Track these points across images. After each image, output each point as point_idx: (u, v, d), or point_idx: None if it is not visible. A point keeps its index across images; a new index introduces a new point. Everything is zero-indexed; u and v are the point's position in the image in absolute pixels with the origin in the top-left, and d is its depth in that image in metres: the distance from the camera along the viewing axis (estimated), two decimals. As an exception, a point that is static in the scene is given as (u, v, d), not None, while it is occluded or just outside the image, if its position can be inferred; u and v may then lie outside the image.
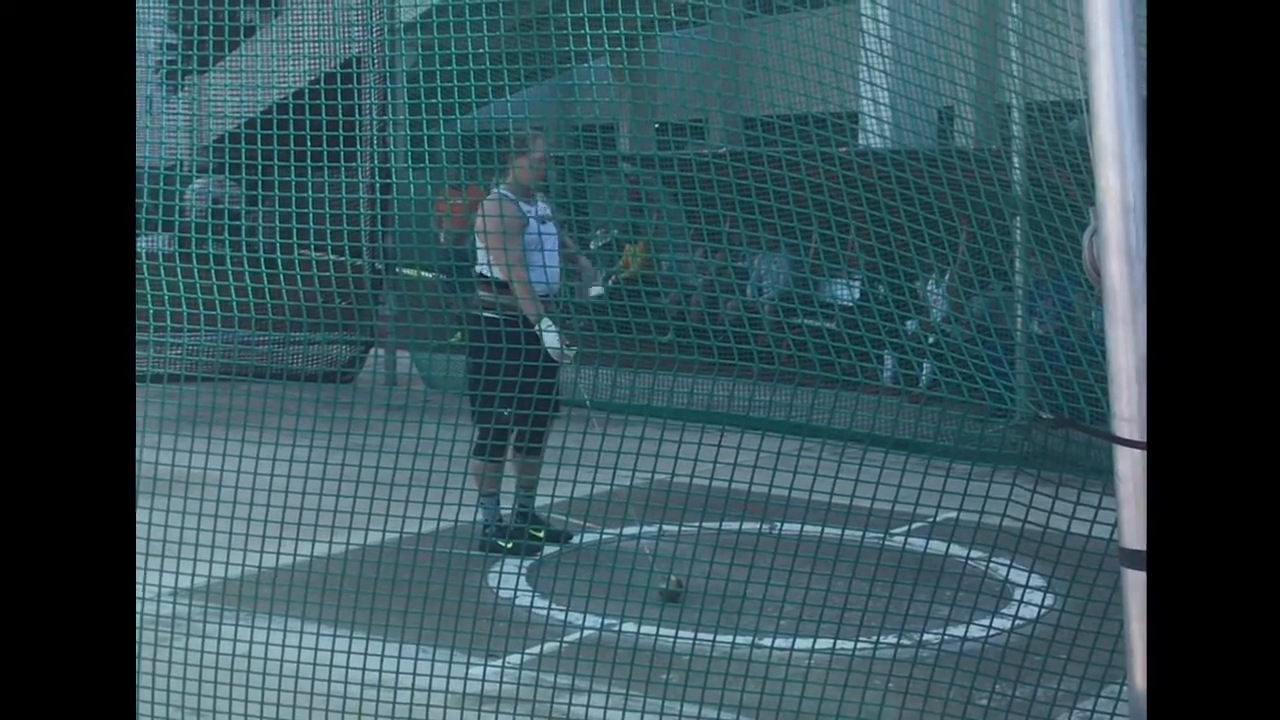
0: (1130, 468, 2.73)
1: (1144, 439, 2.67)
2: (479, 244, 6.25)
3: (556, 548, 6.32)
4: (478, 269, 6.31)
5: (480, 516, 6.27)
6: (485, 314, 6.06)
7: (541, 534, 6.48)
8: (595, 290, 6.52)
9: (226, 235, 5.11)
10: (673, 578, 5.29)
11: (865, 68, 5.52)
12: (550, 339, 5.92)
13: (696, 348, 4.57)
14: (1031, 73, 5.79)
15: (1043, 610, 4.22)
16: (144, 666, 4.14)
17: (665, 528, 4.44)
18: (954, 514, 3.85)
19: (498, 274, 6.09)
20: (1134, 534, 2.71)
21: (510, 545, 6.29)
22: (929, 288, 8.35)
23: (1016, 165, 7.01)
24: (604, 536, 5.93)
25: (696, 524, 4.37)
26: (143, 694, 4.11)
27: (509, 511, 6.47)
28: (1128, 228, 2.77)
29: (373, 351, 11.37)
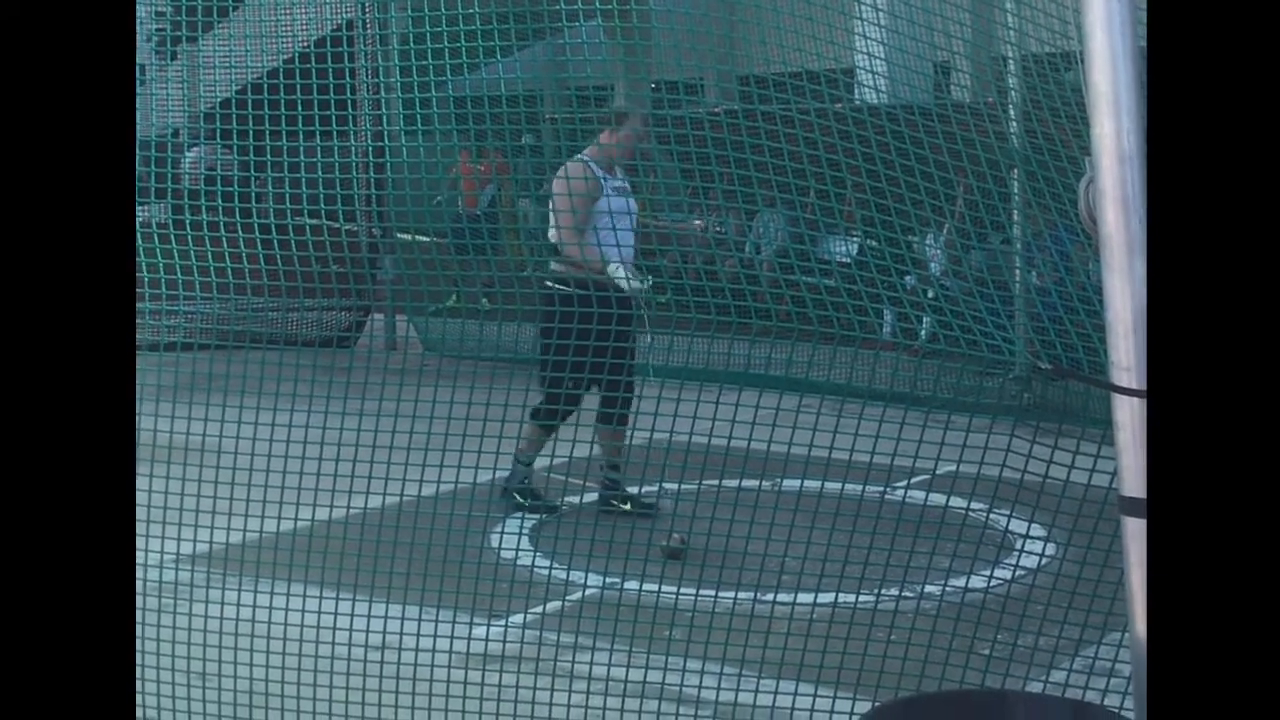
0: (1128, 416, 2.73)
1: (1142, 387, 2.67)
2: (550, 209, 6.19)
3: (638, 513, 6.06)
4: (549, 237, 6.26)
5: (507, 475, 6.29)
6: (558, 288, 5.98)
7: (627, 506, 6.24)
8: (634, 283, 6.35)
9: (220, 202, 5.10)
10: (675, 535, 5.31)
11: (861, 22, 5.50)
12: (624, 282, 5.84)
13: (695, 306, 4.57)
14: (1027, 23, 5.76)
15: (1044, 560, 4.23)
16: (148, 633, 4.15)
17: (667, 486, 4.44)
18: (954, 466, 3.85)
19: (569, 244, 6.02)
20: (1133, 482, 2.71)
21: (525, 502, 6.35)
22: (927, 242, 8.33)
23: (1013, 118, 6.98)
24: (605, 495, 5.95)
25: (697, 482, 4.37)
26: (147, 659, 4.13)
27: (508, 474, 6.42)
28: (1124, 176, 2.76)
29: (371, 316, 11.37)
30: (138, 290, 4.61)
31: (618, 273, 5.85)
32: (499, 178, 12.67)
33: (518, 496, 6.44)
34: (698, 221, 6.81)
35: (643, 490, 6.01)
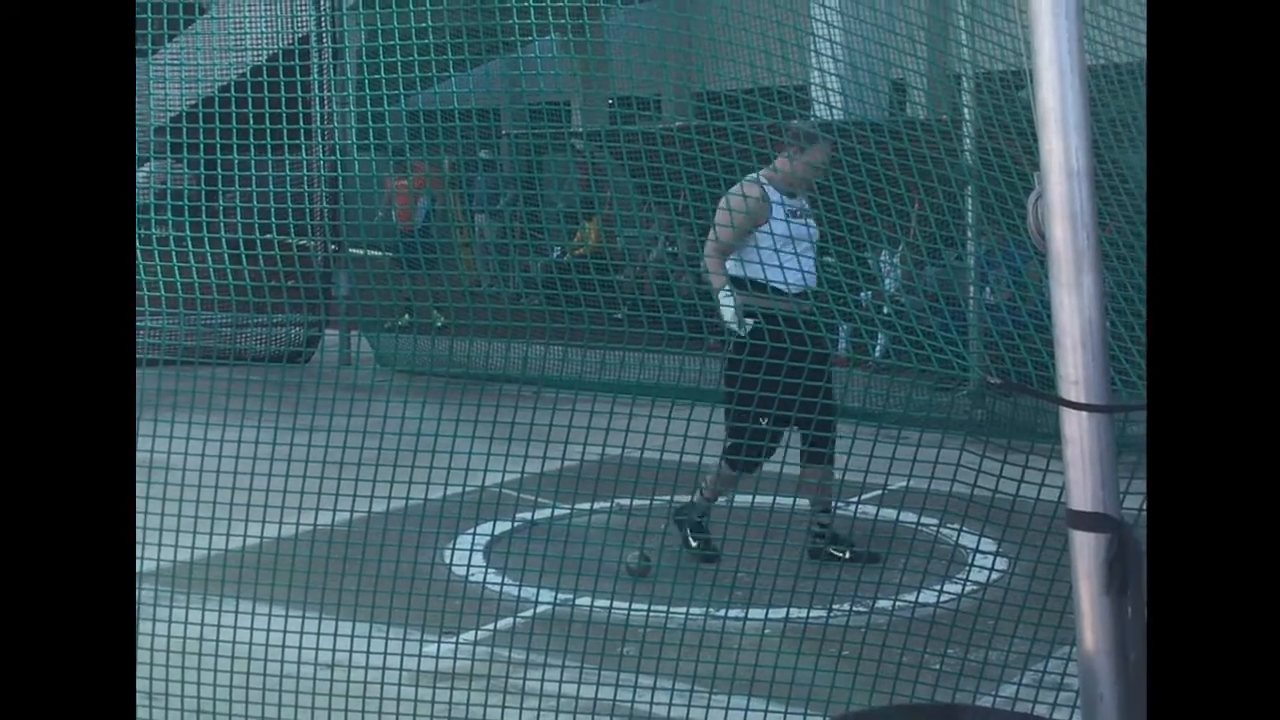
0: (1076, 430, 2.75)
1: (1089, 400, 2.69)
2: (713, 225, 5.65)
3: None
4: (727, 265, 5.77)
5: (685, 512, 5.79)
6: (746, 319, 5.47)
7: (846, 555, 5.77)
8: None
9: (170, 217, 5.06)
10: (634, 554, 5.28)
11: (816, 39, 5.52)
12: (727, 312, 5.52)
13: (648, 322, 4.56)
14: (980, 41, 5.81)
15: (994, 574, 4.24)
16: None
17: (621, 502, 4.43)
18: (905, 482, 3.87)
19: (751, 271, 5.51)
20: (1080, 496, 2.73)
21: (696, 546, 5.75)
22: (881, 258, 8.37)
23: (967, 135, 7.03)
24: (556, 512, 5.93)
25: (657, 499, 4.37)
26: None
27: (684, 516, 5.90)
28: (1071, 191, 2.78)
29: (323, 331, 11.32)
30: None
31: (726, 301, 5.51)
32: (429, 192, 12.64)
33: (690, 532, 5.86)
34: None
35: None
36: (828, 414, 4.93)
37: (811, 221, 5.84)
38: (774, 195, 5.74)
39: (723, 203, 5.26)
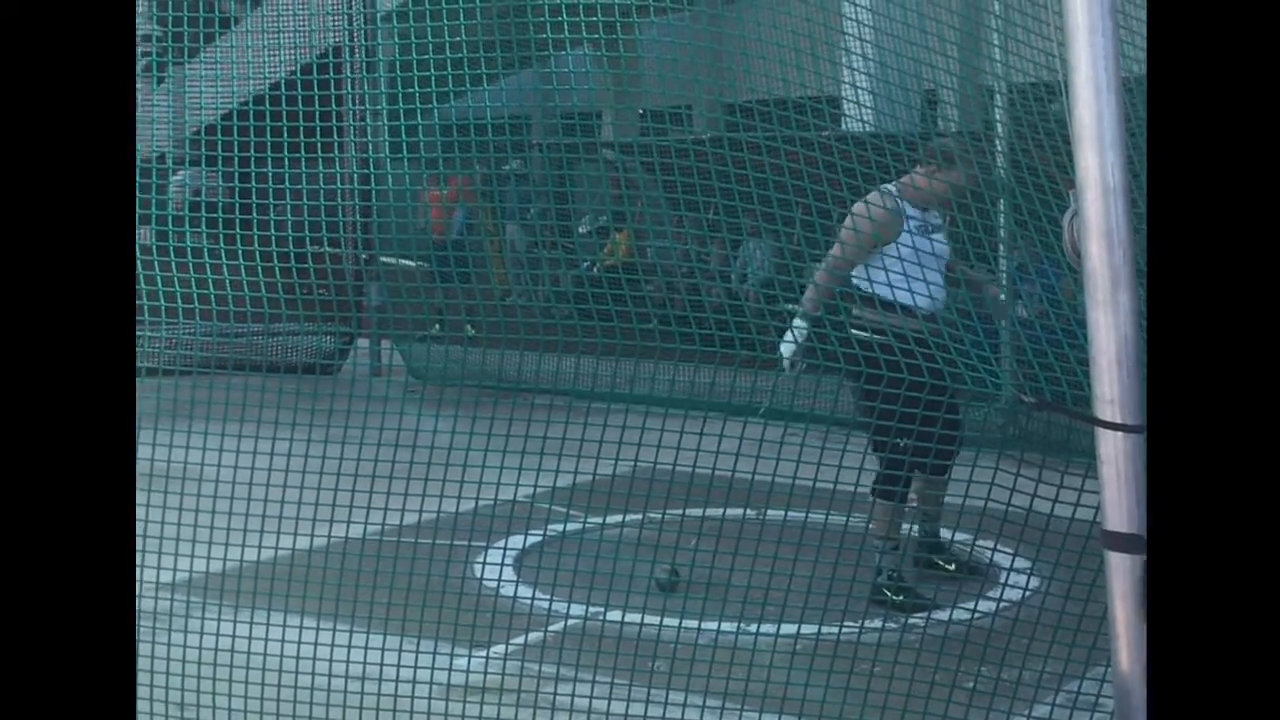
0: (1112, 450, 2.73)
1: (1125, 421, 2.67)
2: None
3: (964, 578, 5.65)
4: (854, 281, 5.49)
5: (881, 563, 5.50)
6: (875, 336, 4.98)
7: (952, 566, 5.82)
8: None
9: (204, 228, 5.08)
10: (664, 569, 5.25)
11: (847, 52, 5.51)
12: (786, 348, 5.30)
13: (679, 335, 4.56)
14: (1013, 56, 5.79)
15: (1027, 593, 4.22)
16: (128, 662, 4.12)
17: (651, 516, 4.42)
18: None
19: (879, 289, 5.21)
20: (1116, 516, 2.71)
21: (899, 599, 5.43)
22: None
23: (999, 149, 7.00)
24: (587, 525, 5.93)
25: (686, 512, 4.36)
26: (127, 689, 4.09)
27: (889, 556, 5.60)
28: (1108, 209, 2.76)
29: (355, 342, 11.35)
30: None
31: (794, 335, 5.30)
32: (463, 205, 12.64)
33: (888, 594, 5.45)
34: (993, 289, 5.89)
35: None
36: (951, 434, 4.78)
37: (942, 238, 5.63)
38: (906, 209, 5.46)
39: (850, 217, 5.06)
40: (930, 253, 5.40)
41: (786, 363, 5.32)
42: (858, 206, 5.03)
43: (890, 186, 5.37)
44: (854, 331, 5.27)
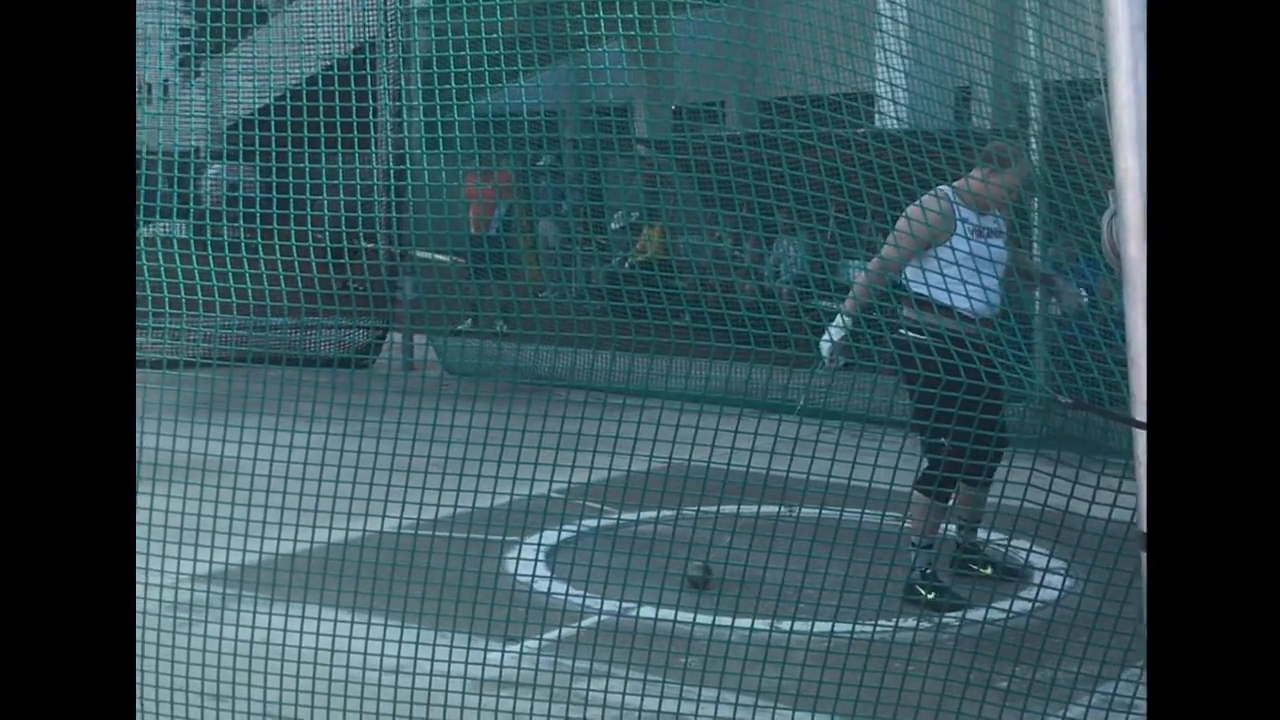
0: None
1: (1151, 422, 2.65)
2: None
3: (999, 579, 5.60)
4: (908, 284, 5.42)
5: (916, 560, 5.51)
6: (911, 335, 5.17)
7: (988, 569, 5.81)
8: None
9: (241, 223, 5.11)
10: (696, 565, 5.25)
11: (882, 49, 5.49)
12: (825, 345, 5.27)
13: (712, 332, 4.55)
14: (1048, 54, 5.76)
15: (1062, 593, 4.20)
16: (163, 653, 4.15)
17: (684, 512, 4.43)
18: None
19: (933, 293, 5.16)
20: (1154, 517, 2.70)
21: (932, 597, 5.43)
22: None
23: (1034, 147, 6.97)
24: (622, 520, 5.94)
25: (717, 508, 4.36)
26: (162, 680, 4.12)
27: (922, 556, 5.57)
28: (1146, 209, 2.75)
29: (389, 336, 11.39)
30: (158, 309, 4.62)
31: (832, 335, 5.28)
32: (503, 201, 12.61)
33: (921, 591, 5.46)
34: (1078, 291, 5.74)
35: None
36: (999, 435, 4.69)
37: (1000, 242, 5.55)
38: (961, 212, 5.42)
39: (904, 216, 5.02)
40: (986, 258, 5.33)
41: (826, 360, 5.29)
42: (911, 208, 5.01)
43: (946, 188, 5.33)
44: (904, 333, 5.26)
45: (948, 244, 5.20)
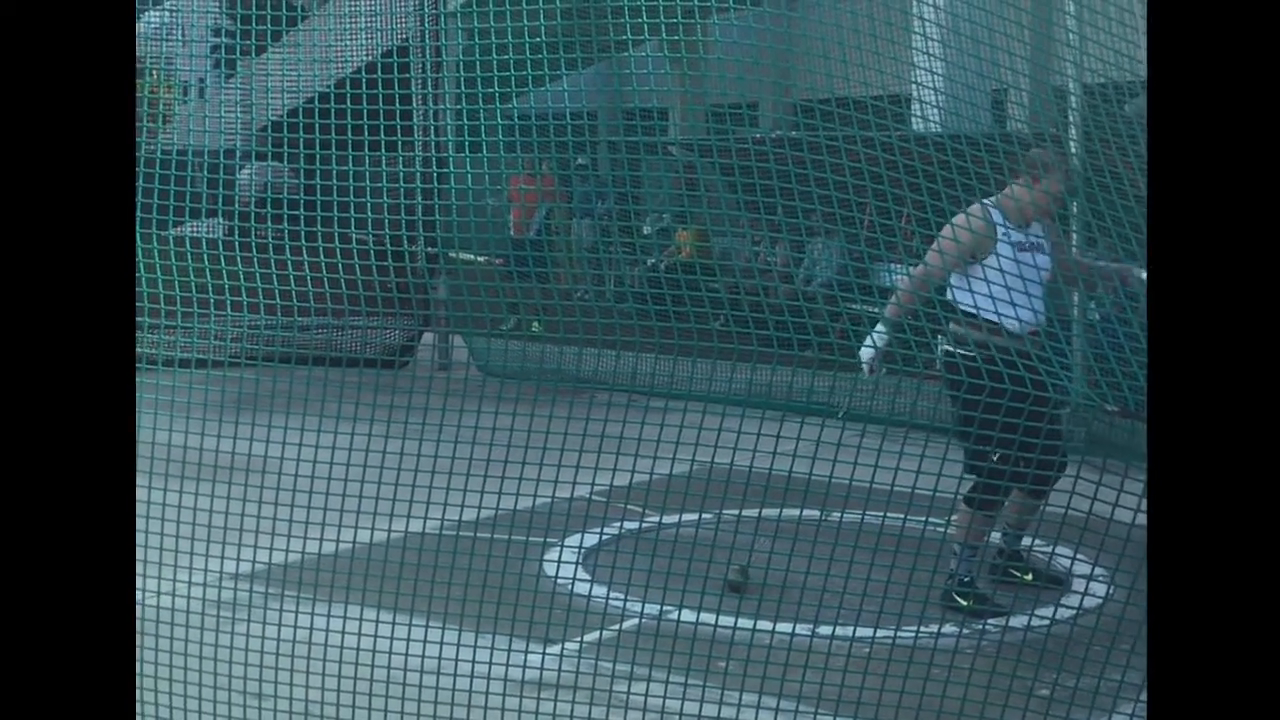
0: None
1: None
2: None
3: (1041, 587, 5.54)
4: (952, 295, 5.38)
5: (955, 566, 5.50)
6: (959, 350, 5.12)
7: (1029, 575, 5.78)
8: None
9: (269, 223, 5.12)
10: (735, 568, 5.23)
11: (918, 53, 5.47)
12: (865, 351, 5.24)
13: (752, 335, 4.55)
14: (1086, 56, 5.73)
15: (1106, 600, 4.18)
16: (206, 651, 4.17)
17: (724, 515, 4.43)
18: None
19: (978, 304, 5.10)
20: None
21: (970, 604, 5.41)
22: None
23: (1073, 150, 6.94)
24: (663, 523, 5.94)
25: (755, 511, 4.35)
26: (205, 678, 4.15)
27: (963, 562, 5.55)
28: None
29: (426, 337, 11.41)
30: (198, 310, 4.65)
31: (874, 341, 5.23)
32: (544, 205, 12.60)
33: (958, 599, 5.45)
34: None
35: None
36: (1051, 452, 4.71)
37: (1044, 257, 5.48)
38: (1002, 226, 5.35)
39: (948, 229, 4.97)
40: (1032, 265, 5.30)
41: (866, 367, 5.27)
42: (956, 218, 4.96)
43: (989, 201, 5.27)
44: (953, 351, 5.21)
45: (992, 257, 5.17)
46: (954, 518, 5.39)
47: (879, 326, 5.29)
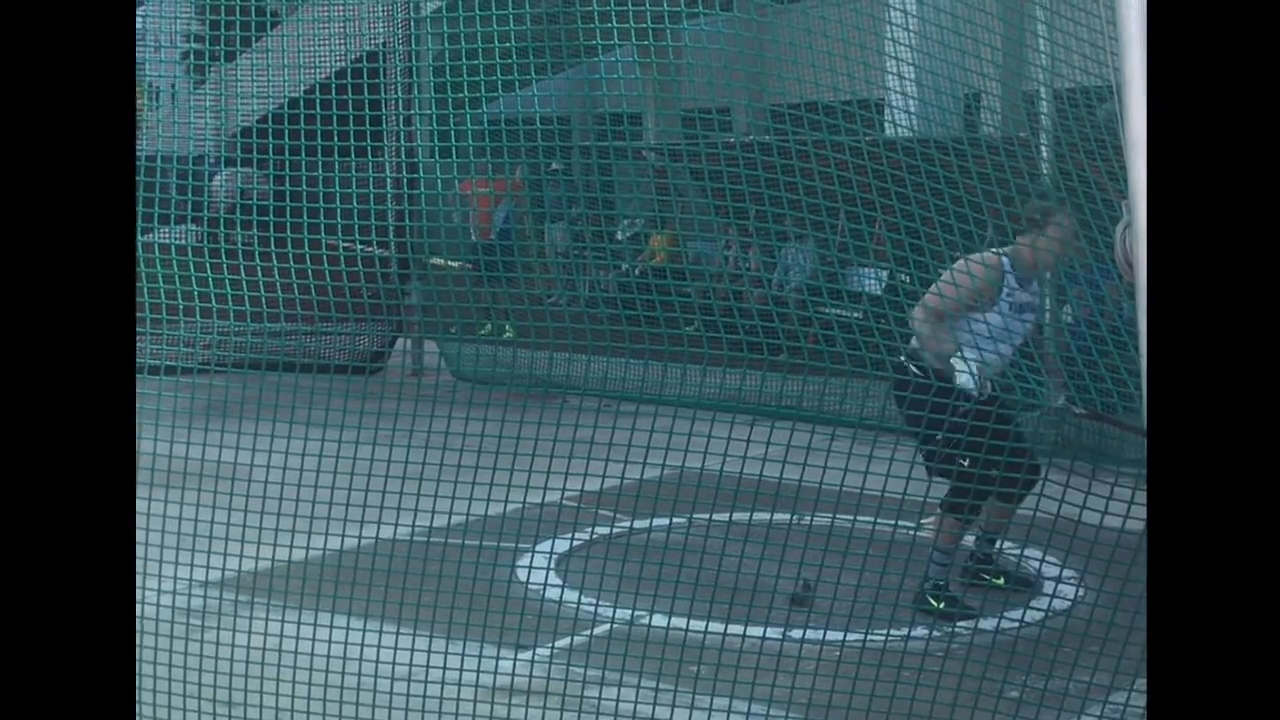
0: (1165, 461, 2.71)
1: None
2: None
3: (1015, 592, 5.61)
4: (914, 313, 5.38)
5: (930, 571, 5.54)
6: (912, 364, 5.23)
7: (1000, 579, 5.85)
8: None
9: (240, 229, 5.11)
10: (799, 583, 5.14)
11: (890, 58, 5.49)
12: (964, 378, 5.11)
13: (723, 340, 4.55)
14: (1057, 61, 5.75)
15: (1075, 603, 4.20)
16: (175, 659, 4.15)
17: (695, 519, 4.43)
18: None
19: (961, 341, 5.16)
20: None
21: (942, 607, 5.44)
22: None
23: (1044, 155, 6.97)
24: (634, 527, 5.94)
25: (726, 515, 4.36)
26: (174, 686, 4.13)
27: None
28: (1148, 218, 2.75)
29: (399, 342, 11.39)
30: (169, 317, 4.63)
31: (964, 366, 5.17)
32: (513, 194, 12.56)
33: (931, 601, 5.50)
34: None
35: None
36: (1020, 455, 4.77)
37: (1031, 316, 5.54)
38: (1009, 282, 5.39)
39: (956, 267, 5.03)
40: (1020, 322, 5.38)
41: (975, 388, 5.13)
42: (964, 264, 5.02)
43: (1004, 252, 5.31)
44: (909, 365, 5.26)
45: (989, 309, 5.23)
46: (926, 521, 5.41)
47: (960, 357, 5.20)
